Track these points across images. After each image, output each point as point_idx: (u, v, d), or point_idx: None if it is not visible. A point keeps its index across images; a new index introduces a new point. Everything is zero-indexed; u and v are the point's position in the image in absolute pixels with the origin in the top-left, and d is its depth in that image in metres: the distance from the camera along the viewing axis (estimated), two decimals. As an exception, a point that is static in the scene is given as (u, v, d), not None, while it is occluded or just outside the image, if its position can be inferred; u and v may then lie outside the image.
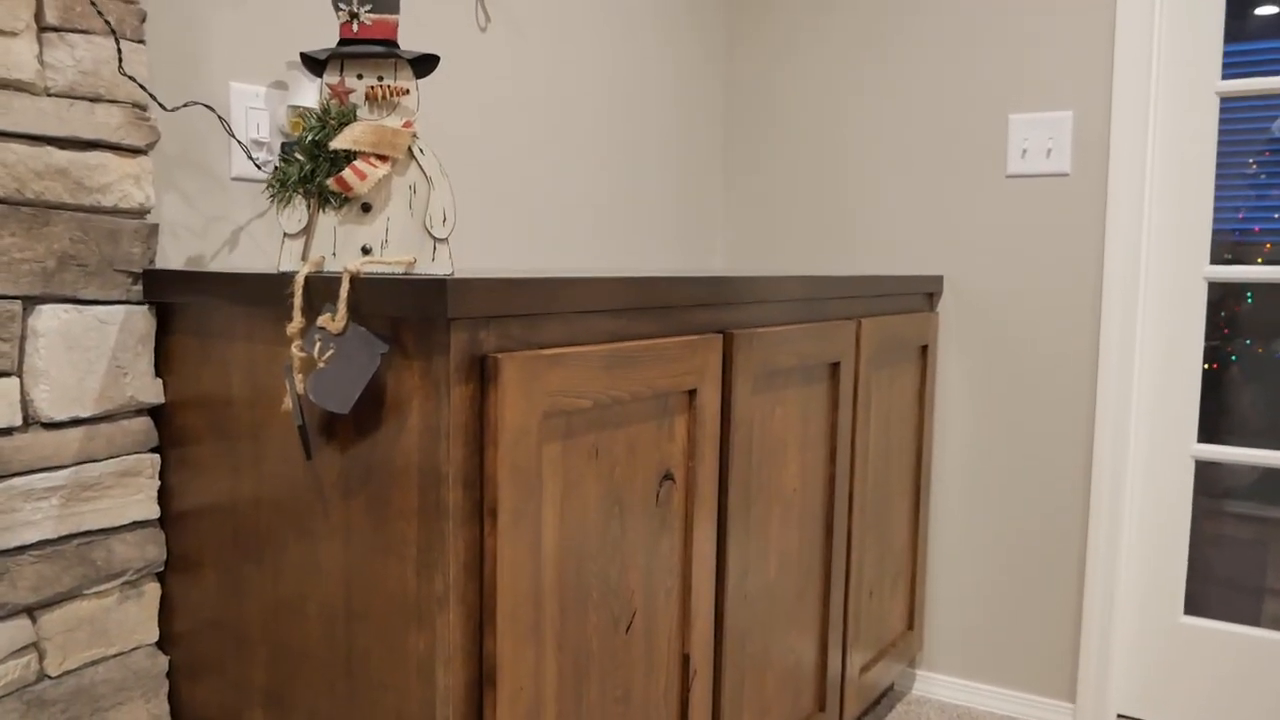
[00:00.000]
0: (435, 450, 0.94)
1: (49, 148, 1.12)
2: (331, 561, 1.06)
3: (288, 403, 1.01)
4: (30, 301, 1.11)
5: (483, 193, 1.77)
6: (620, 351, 1.11)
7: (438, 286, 0.90)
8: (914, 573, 2.13)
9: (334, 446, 1.03)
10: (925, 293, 2.10)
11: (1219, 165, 1.99)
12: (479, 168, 1.76)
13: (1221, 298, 2.02)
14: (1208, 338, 2.03)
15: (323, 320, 0.96)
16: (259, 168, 1.32)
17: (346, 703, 1.06)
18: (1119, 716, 2.14)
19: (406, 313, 0.93)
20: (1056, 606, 2.10)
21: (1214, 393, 2.03)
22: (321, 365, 0.95)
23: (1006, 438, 2.13)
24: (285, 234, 1.03)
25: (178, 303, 1.19)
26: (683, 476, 1.27)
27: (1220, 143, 1.99)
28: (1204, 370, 2.02)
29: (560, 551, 1.07)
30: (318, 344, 0.96)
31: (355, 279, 0.95)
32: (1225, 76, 1.97)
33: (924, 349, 2.09)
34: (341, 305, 0.95)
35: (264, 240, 1.39)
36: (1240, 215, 1.97)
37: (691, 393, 1.27)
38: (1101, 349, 2.02)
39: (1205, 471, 2.05)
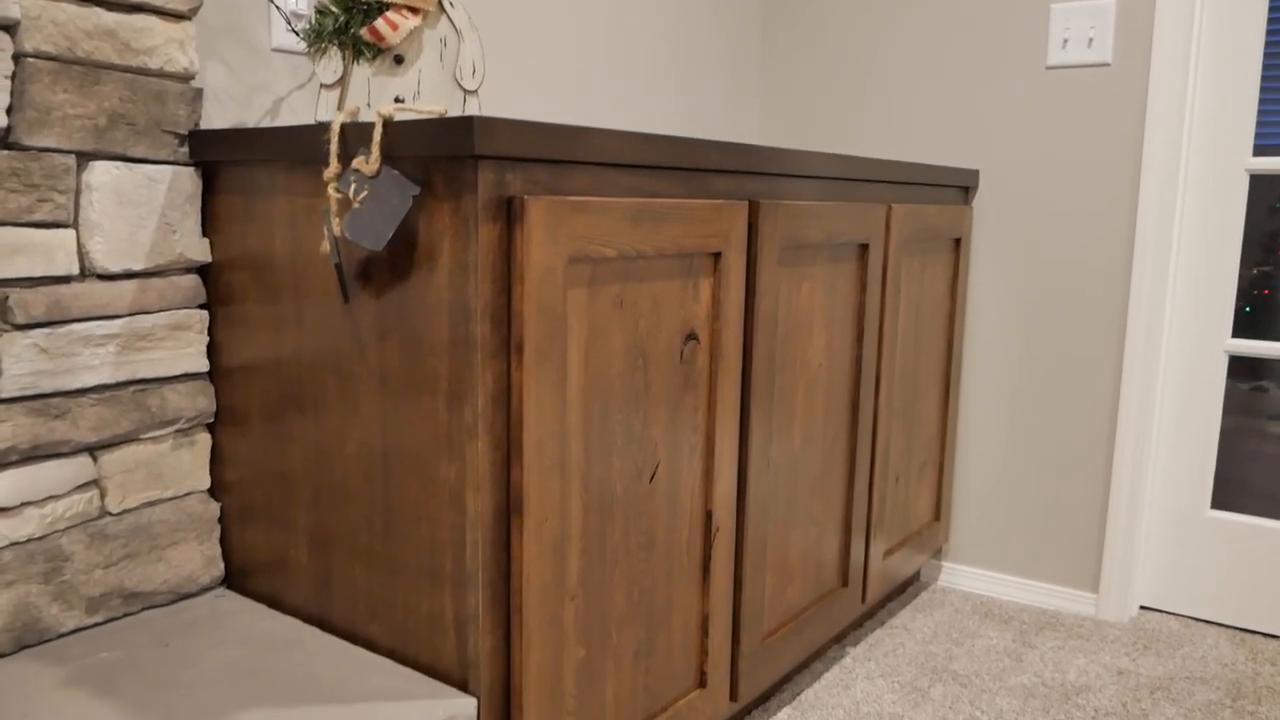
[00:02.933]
0: (464, 286, 0.99)
1: (97, 8, 1.16)
2: (368, 402, 1.12)
3: (326, 245, 1.06)
4: (83, 157, 1.17)
5: (509, 69, 1.80)
6: (645, 206, 1.15)
7: (464, 124, 0.94)
8: (942, 464, 2.17)
9: (370, 291, 1.08)
10: (960, 186, 2.10)
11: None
12: (508, 44, 1.78)
13: (1277, 230, 1.99)
14: (1259, 264, 2.01)
15: (357, 163, 1.00)
16: (299, 35, 1.36)
17: (384, 535, 1.13)
18: (1141, 608, 2.18)
19: (435, 152, 0.97)
20: (1083, 499, 2.13)
21: (1266, 320, 2.02)
22: (356, 206, 1.00)
23: (1039, 331, 2.14)
24: (321, 85, 1.07)
25: (222, 163, 1.24)
26: (707, 338, 1.31)
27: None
28: (1255, 296, 2.01)
29: (585, 394, 1.12)
30: (353, 186, 1.01)
31: (388, 123, 0.99)
32: (1276, -39, 1.92)
33: (957, 242, 2.10)
34: (375, 147, 0.99)
35: (304, 112, 1.43)
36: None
37: (716, 256, 1.30)
38: (1137, 242, 2.01)
39: (1250, 399, 2.05)
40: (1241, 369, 2.07)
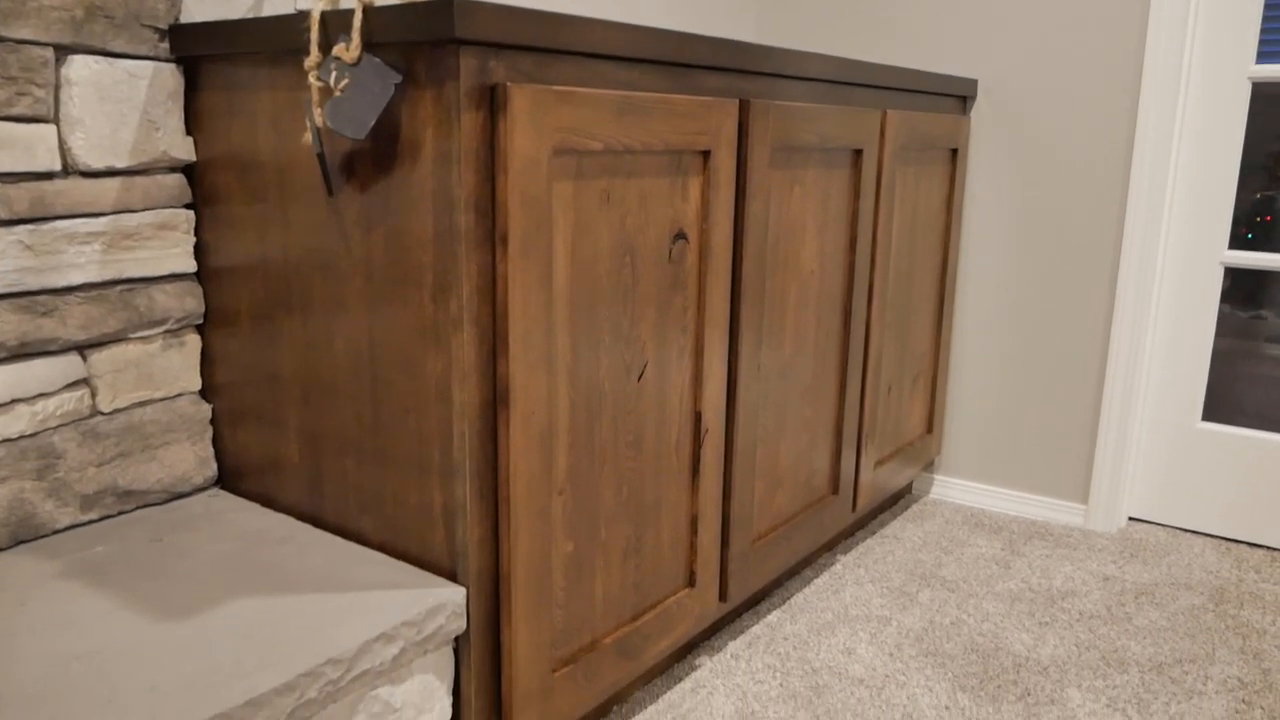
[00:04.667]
0: (447, 176, 0.98)
1: (70, -105, 1.13)
2: (355, 297, 1.11)
3: (308, 135, 1.05)
4: (62, 50, 1.15)
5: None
6: (632, 99, 1.13)
7: (445, 7, 0.92)
8: (935, 376, 2.17)
9: (354, 184, 1.07)
10: (958, 95, 2.07)
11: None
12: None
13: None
14: (1262, 189, 1.98)
15: (337, 50, 0.99)
16: (278, -72, 1.33)
17: (373, 430, 1.14)
18: (1130, 519, 2.20)
19: (416, 37, 0.95)
20: (1075, 411, 2.14)
21: (1267, 246, 2.00)
22: (338, 94, 0.99)
23: (1035, 244, 2.13)
24: (301, -29, 1.05)
25: (204, 58, 1.22)
26: (696, 238, 1.30)
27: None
28: (1258, 223, 1.98)
29: (571, 289, 1.12)
30: (334, 74, 0.99)
31: (368, 8, 0.97)
32: None
33: (954, 153, 2.07)
34: (355, 34, 0.97)
35: (285, 9, 1.40)
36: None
37: (705, 154, 1.28)
38: (1135, 153, 1.99)
39: (1246, 322, 2.04)
40: (1241, 295, 2.06)
